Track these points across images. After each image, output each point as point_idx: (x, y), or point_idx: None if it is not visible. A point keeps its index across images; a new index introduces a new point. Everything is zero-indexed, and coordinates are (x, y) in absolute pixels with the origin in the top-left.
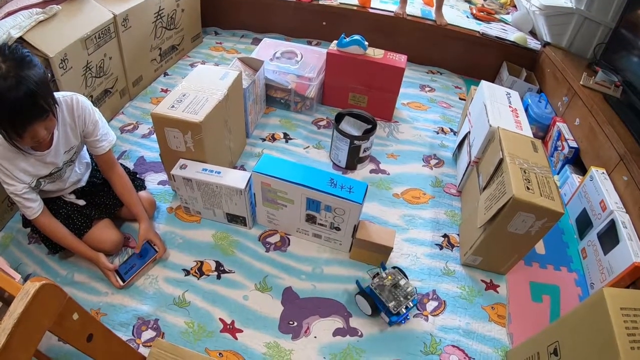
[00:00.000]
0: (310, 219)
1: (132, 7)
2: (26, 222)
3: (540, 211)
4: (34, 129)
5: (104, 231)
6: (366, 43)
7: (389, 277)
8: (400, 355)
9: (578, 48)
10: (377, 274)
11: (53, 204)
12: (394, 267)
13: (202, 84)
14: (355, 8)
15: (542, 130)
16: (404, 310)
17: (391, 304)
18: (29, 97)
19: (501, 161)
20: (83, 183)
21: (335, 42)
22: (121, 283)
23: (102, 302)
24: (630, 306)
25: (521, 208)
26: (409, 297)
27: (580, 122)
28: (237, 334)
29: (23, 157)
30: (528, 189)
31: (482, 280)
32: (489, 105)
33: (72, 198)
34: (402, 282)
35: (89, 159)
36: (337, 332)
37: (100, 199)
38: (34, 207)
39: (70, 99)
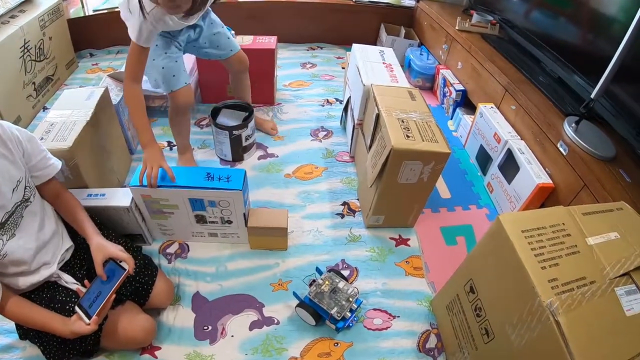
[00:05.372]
0: (201, 219)
1: None
2: None
3: (425, 156)
4: None
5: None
6: (233, 32)
7: (326, 282)
8: (321, 332)
9: None
10: (314, 280)
11: (41, 294)
12: (329, 271)
13: (68, 109)
14: (224, 0)
15: (428, 81)
16: (349, 314)
17: (334, 311)
18: None
19: (378, 116)
20: (67, 245)
21: None
22: (87, 321)
23: (22, 358)
24: (531, 227)
25: (404, 157)
26: (350, 299)
27: (463, 65)
28: (156, 352)
29: None
30: (408, 137)
31: (391, 238)
32: (361, 66)
33: (65, 279)
34: (341, 284)
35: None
36: (253, 326)
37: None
38: None
39: None
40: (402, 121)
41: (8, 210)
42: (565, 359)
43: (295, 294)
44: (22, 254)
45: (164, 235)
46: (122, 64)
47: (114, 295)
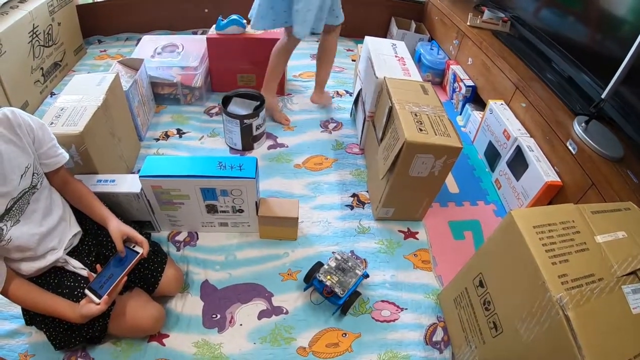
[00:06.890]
0: (212, 209)
1: (3, 30)
2: None
3: (437, 149)
4: None
5: (139, 308)
6: (244, 21)
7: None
8: (330, 323)
9: None
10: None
11: (49, 279)
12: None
13: (79, 94)
14: None
15: (438, 76)
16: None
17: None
18: None
19: (391, 109)
20: (74, 231)
21: (214, 26)
22: (97, 301)
23: (27, 344)
24: (542, 223)
25: (417, 150)
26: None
27: (473, 60)
28: (164, 340)
29: None
30: (421, 130)
31: (400, 231)
32: (374, 58)
33: (73, 264)
34: (350, 263)
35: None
36: (262, 315)
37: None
38: None
39: (2, 113)
40: (415, 115)
41: (14, 197)
42: (573, 353)
43: (338, 311)
44: (27, 240)
45: (173, 227)
46: (131, 51)
47: (125, 278)
